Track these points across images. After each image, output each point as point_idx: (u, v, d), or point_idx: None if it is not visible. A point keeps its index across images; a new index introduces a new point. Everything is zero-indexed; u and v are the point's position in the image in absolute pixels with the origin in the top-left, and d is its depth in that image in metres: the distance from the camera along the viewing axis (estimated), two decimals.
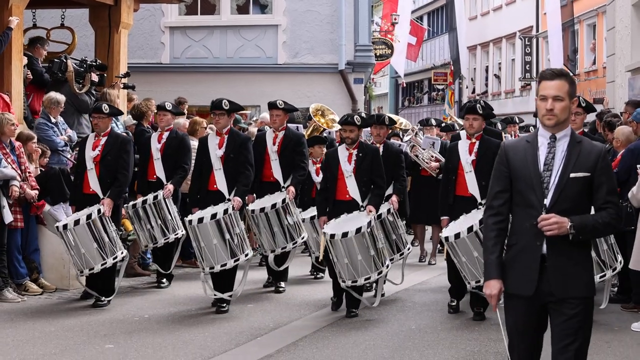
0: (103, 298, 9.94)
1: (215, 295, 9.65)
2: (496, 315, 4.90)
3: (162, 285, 11.25)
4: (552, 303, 4.66)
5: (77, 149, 10.88)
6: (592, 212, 4.73)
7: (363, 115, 10.49)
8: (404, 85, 48.83)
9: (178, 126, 13.11)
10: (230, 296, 9.71)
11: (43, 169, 11.04)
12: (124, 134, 11.49)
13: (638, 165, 9.32)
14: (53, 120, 11.62)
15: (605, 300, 9.07)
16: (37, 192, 10.64)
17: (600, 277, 8.69)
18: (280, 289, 11.08)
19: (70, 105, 12.19)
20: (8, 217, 10.34)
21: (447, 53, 43.18)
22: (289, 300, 10.62)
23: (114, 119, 12.69)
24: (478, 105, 9.64)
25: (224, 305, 9.70)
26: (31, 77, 12.59)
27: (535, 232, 4.60)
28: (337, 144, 11.00)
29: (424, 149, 13.28)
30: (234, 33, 20.34)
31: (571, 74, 4.81)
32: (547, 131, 4.70)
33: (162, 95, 16.48)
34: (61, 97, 11.84)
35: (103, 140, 10.12)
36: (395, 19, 34.17)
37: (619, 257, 8.81)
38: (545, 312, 4.72)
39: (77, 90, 12.68)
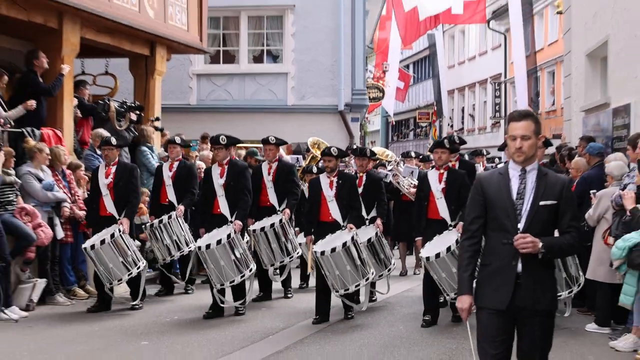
0: (139, 303, 9.96)
1: (223, 303, 9.58)
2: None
3: (188, 292, 11.31)
4: (522, 316, 4.58)
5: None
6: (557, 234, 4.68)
7: (338, 147, 10.38)
8: (393, 123, 48.98)
9: (203, 157, 13.16)
10: (242, 304, 9.66)
11: (89, 193, 11.02)
12: (158, 163, 11.48)
13: (591, 191, 9.29)
14: (98, 152, 11.60)
15: (569, 309, 8.99)
16: (84, 212, 10.66)
17: (568, 292, 8.61)
18: (289, 295, 11.07)
19: None
20: (60, 234, 10.40)
21: (430, 96, 43.23)
22: (294, 306, 10.55)
23: (149, 150, 12.78)
24: (445, 140, 9.62)
25: (241, 308, 9.68)
26: (80, 115, 12.60)
27: (511, 253, 4.54)
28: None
29: (404, 177, 13.29)
30: (250, 79, 20.40)
31: (536, 115, 4.77)
32: (517, 165, 4.63)
33: (190, 132, 16.56)
34: (105, 133, 11.84)
35: (113, 169, 10.06)
36: (385, 67, 34.18)
37: (581, 274, 8.75)
38: (514, 322, 4.63)
39: (118, 127, 12.72)
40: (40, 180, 10.28)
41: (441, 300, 9.47)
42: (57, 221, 10.43)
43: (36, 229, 9.87)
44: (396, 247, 15.11)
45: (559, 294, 8.32)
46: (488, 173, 4.90)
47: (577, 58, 15.50)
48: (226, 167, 9.86)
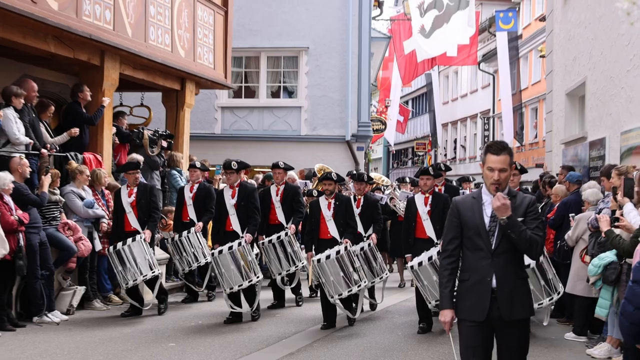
0: (162, 306, 9.95)
1: (234, 309, 9.53)
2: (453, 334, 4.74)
3: (210, 297, 11.35)
4: (500, 326, 4.50)
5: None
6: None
7: (337, 173, 10.39)
8: (394, 151, 49.04)
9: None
10: (256, 310, 9.67)
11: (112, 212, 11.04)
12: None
13: (570, 215, 9.31)
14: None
15: (547, 319, 8.96)
16: None
17: (549, 299, 8.53)
18: (300, 303, 11.04)
19: (146, 164, 12.23)
20: (98, 246, 10.44)
21: (426, 128, 43.25)
22: (305, 313, 10.52)
23: (178, 173, 12.82)
24: (430, 168, 9.67)
25: (256, 313, 9.70)
26: (118, 142, 12.67)
27: (486, 269, 4.47)
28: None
29: (400, 200, 13.36)
30: (268, 112, 20.46)
31: (510, 147, 4.69)
32: (492, 191, 4.51)
33: (215, 158, 16.61)
34: (140, 157, 11.92)
35: (135, 189, 10.07)
36: (387, 103, 34.32)
37: (560, 285, 8.71)
38: (493, 333, 4.55)
39: (150, 153, 12.76)
40: (82, 198, 10.33)
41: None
42: (95, 235, 10.47)
43: (77, 242, 9.90)
44: (394, 262, 15.09)
45: (540, 302, 8.33)
46: (462, 197, 4.80)
47: (558, 96, 15.53)
48: (237, 189, 9.88)
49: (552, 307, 9.35)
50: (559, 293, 8.58)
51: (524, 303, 4.55)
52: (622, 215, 6.84)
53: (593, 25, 12.80)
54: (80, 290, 10.08)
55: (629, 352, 6.64)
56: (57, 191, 10.01)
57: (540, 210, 4.88)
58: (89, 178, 10.57)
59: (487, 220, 4.52)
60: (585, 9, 13.30)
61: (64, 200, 10.09)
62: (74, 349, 7.86)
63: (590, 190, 9.12)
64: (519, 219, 4.45)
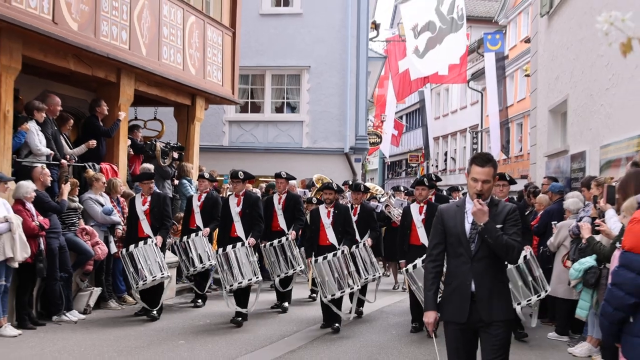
0: (154, 312, 9.65)
1: (236, 308, 9.39)
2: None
3: (198, 304, 10.85)
4: (481, 327, 4.39)
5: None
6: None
7: (337, 183, 10.37)
8: (389, 163, 48.98)
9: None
10: (246, 311, 9.48)
11: (127, 219, 11.01)
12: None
13: (553, 222, 9.29)
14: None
15: (534, 320, 8.89)
16: None
17: (537, 296, 8.33)
18: (285, 307, 10.73)
19: (158, 174, 12.22)
20: (113, 250, 10.40)
21: (419, 141, 43.26)
22: (306, 313, 10.48)
23: (188, 182, 12.80)
24: (425, 179, 9.55)
25: (240, 318, 9.36)
26: (132, 153, 12.68)
27: (466, 274, 4.38)
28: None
29: (395, 208, 13.35)
30: (272, 126, 20.50)
31: (495, 159, 4.61)
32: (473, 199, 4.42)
33: (223, 168, 16.61)
34: (151, 167, 11.91)
35: (149, 198, 9.97)
36: (383, 118, 34.36)
37: (547, 284, 8.62)
38: (476, 335, 4.45)
39: (162, 164, 12.76)
40: (101, 204, 10.32)
41: None
42: (111, 239, 10.45)
43: (94, 246, 9.89)
44: (388, 267, 15.05)
45: (519, 302, 8.10)
46: (447, 205, 4.72)
47: (542, 113, 15.54)
48: (242, 197, 9.78)
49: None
50: (546, 290, 8.42)
51: (503, 306, 4.43)
52: (603, 221, 6.81)
53: (574, 46, 12.81)
54: (97, 291, 10.06)
55: (607, 350, 6.63)
56: (76, 199, 10.00)
57: (521, 218, 4.73)
58: (105, 185, 10.56)
59: (468, 227, 4.43)
60: (568, 31, 13.33)
61: (82, 207, 10.07)
62: (90, 346, 7.84)
63: (570, 200, 9.12)
64: (499, 226, 4.36)
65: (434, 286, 4.52)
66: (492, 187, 4.48)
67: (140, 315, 9.74)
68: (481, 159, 4.47)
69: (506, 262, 4.62)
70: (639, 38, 2.73)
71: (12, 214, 8.34)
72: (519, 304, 7.93)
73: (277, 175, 10.80)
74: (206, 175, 11.33)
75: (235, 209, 9.72)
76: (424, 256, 8.64)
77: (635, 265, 3.64)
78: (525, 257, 8.00)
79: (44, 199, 9.03)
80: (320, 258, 8.92)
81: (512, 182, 8.97)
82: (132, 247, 9.47)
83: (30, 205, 8.73)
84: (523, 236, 5.16)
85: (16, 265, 8.28)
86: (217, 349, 7.90)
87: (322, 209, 9.53)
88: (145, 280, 9.41)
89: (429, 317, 4.50)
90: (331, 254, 8.92)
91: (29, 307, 8.85)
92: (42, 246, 8.76)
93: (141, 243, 9.50)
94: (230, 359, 7.53)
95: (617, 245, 5.23)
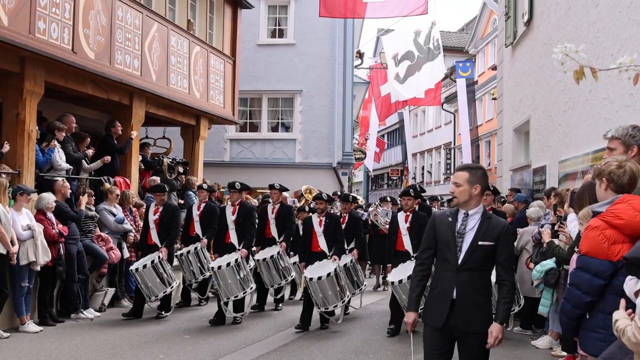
0: (163, 312, 9.60)
1: (232, 315, 9.18)
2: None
3: (201, 304, 10.78)
4: (458, 335, 4.08)
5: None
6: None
7: (328, 194, 10.17)
8: (372, 176, 48.95)
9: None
10: (242, 315, 9.28)
11: (142, 225, 10.91)
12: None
13: (517, 229, 9.29)
14: None
15: (511, 323, 8.83)
16: None
17: (518, 306, 8.22)
18: (279, 308, 10.69)
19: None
20: (126, 254, 10.34)
21: (399, 157, 43.39)
22: (285, 316, 10.15)
23: (193, 194, 12.75)
24: (411, 190, 9.31)
25: (239, 318, 9.24)
26: (143, 168, 12.64)
27: (449, 282, 4.08)
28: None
29: (381, 217, 13.32)
30: (269, 143, 20.50)
31: (475, 167, 4.28)
32: (462, 209, 4.16)
33: (225, 181, 16.35)
34: (158, 179, 11.90)
35: (160, 208, 9.81)
36: (367, 136, 34.38)
37: (520, 297, 8.56)
38: (453, 341, 4.14)
39: (169, 177, 12.72)
40: (113, 214, 10.27)
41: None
42: (124, 245, 10.40)
43: (108, 251, 9.85)
44: (370, 269, 15.02)
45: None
46: (441, 212, 4.42)
47: (507, 132, 15.61)
48: (237, 207, 9.58)
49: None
50: (520, 305, 8.38)
51: (482, 318, 4.06)
52: (563, 224, 6.80)
53: (535, 73, 12.90)
54: (111, 291, 10.00)
55: (566, 342, 6.65)
56: (93, 209, 9.96)
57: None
58: (119, 197, 10.51)
59: (456, 236, 4.13)
60: (529, 60, 13.42)
61: (98, 216, 10.02)
62: (104, 341, 7.79)
63: (532, 209, 9.14)
64: (491, 243, 4.07)
65: (418, 288, 4.27)
66: (469, 193, 4.13)
67: (130, 318, 9.38)
68: (461, 165, 4.35)
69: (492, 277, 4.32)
70: (591, 67, 2.76)
71: (35, 222, 8.32)
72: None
73: (271, 187, 10.67)
74: (204, 186, 11.14)
75: (230, 217, 9.52)
76: (409, 265, 8.41)
77: (590, 268, 3.64)
78: None
79: (63, 209, 8.99)
80: (315, 278, 8.55)
81: (496, 192, 8.78)
82: (140, 267, 9.20)
83: (50, 215, 8.70)
84: None
85: (38, 268, 8.27)
86: (219, 343, 7.86)
87: (315, 218, 9.35)
88: (157, 296, 9.26)
89: (410, 317, 4.29)
90: (325, 275, 8.54)
91: (49, 306, 8.79)
92: (62, 251, 8.73)
93: (148, 263, 9.20)
94: (229, 351, 7.48)
95: (575, 249, 5.24)
